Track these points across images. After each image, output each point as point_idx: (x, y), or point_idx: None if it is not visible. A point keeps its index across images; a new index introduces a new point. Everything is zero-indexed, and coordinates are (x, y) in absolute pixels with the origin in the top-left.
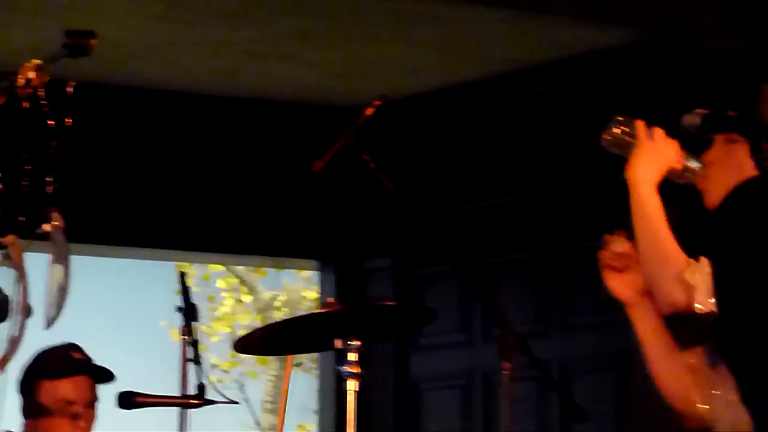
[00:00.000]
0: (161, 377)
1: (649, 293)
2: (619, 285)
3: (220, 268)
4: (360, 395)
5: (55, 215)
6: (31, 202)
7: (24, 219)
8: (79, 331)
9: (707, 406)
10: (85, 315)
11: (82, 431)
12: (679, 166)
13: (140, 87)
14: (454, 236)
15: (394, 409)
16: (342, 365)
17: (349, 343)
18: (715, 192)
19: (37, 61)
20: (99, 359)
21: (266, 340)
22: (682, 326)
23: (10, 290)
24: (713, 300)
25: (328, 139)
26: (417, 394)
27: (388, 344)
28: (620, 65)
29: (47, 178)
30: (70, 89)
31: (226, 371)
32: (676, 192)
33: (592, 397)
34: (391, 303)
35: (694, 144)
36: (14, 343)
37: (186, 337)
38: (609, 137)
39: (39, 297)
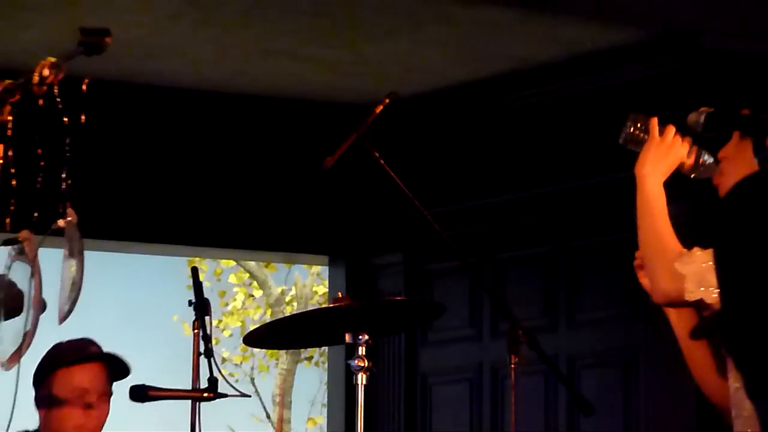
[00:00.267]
0: (173, 371)
1: None
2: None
3: (232, 263)
4: (369, 389)
5: (70, 211)
6: (45, 198)
7: (39, 215)
8: (93, 326)
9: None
10: (98, 310)
11: (95, 421)
12: (690, 162)
13: (154, 84)
14: (464, 232)
15: (403, 402)
16: (352, 359)
17: (358, 337)
18: (728, 186)
19: (52, 59)
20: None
21: (277, 334)
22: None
23: (24, 285)
24: (703, 289)
25: (339, 136)
26: (426, 388)
27: (398, 338)
28: (627, 64)
29: (62, 175)
30: (84, 86)
31: (237, 365)
32: (684, 188)
33: (599, 391)
34: (400, 298)
35: (710, 141)
36: (27, 337)
37: (198, 332)
38: (625, 134)
39: (53, 292)
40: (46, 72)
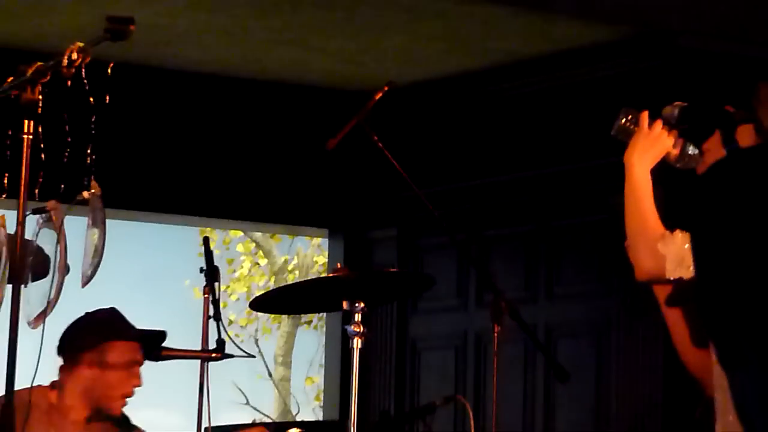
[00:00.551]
0: (184, 332)
1: None
2: None
3: (240, 234)
4: (363, 353)
5: (93, 183)
6: (71, 171)
7: (65, 186)
8: (111, 289)
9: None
10: (117, 275)
11: (135, 388)
12: (676, 153)
13: (173, 69)
14: (453, 210)
15: (394, 366)
16: (348, 325)
17: (355, 305)
18: None
19: (81, 44)
20: (128, 314)
21: (280, 300)
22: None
23: (50, 251)
24: (682, 269)
25: (340, 120)
26: (416, 353)
27: (391, 307)
28: (608, 60)
29: (87, 150)
30: (109, 70)
31: (242, 327)
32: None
33: (574, 359)
34: (393, 270)
35: (695, 134)
36: (53, 299)
37: (208, 296)
38: (617, 126)
39: (77, 257)
40: (74, 55)
